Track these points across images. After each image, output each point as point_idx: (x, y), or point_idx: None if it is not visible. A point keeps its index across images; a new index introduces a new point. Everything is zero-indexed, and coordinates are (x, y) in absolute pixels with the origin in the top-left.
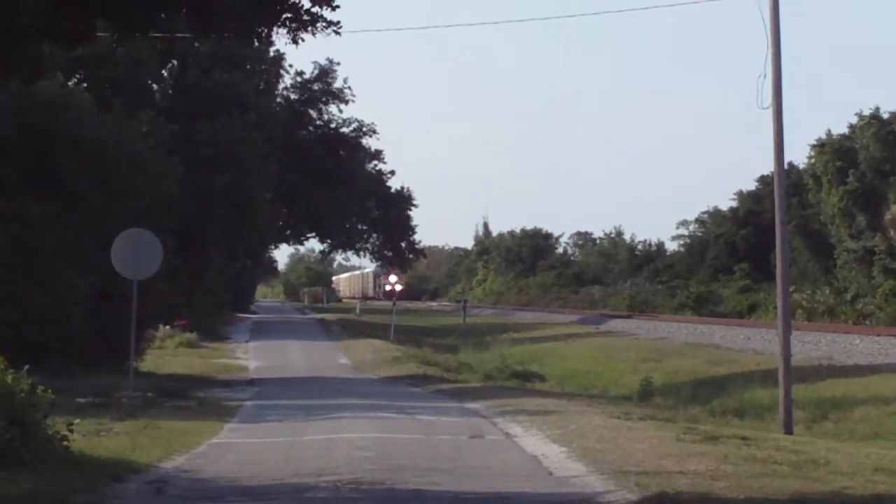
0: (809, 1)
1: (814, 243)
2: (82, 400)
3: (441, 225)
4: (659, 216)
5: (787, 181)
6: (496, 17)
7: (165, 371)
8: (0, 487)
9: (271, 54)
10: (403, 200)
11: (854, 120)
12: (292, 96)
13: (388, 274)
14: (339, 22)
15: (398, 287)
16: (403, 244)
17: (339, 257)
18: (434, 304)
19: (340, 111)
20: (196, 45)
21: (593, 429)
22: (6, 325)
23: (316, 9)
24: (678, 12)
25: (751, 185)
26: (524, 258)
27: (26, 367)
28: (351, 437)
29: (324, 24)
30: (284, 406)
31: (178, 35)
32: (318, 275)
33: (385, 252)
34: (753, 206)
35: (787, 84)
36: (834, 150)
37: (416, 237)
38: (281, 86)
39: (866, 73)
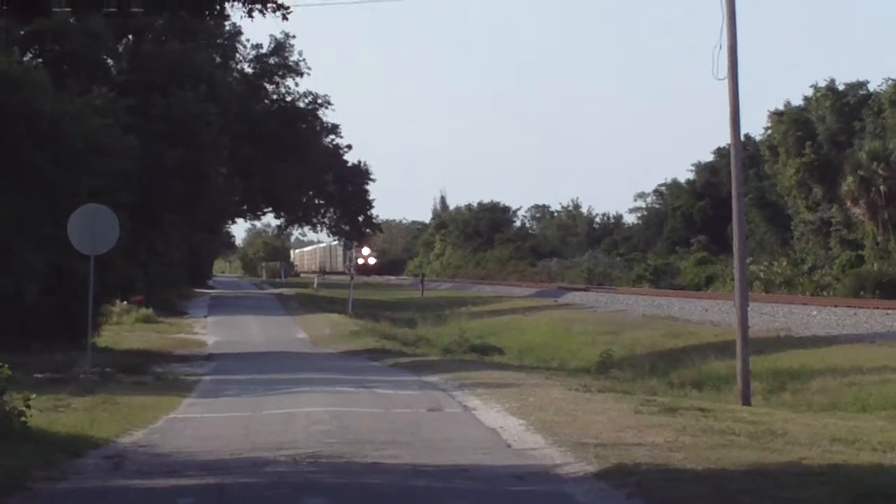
0: None
1: (771, 215)
2: (39, 376)
3: (398, 199)
4: (617, 189)
5: (744, 153)
6: None
7: (123, 347)
8: None
9: (227, 28)
10: (360, 175)
11: (810, 92)
12: (248, 70)
13: (360, 247)
14: (288, 7)
15: (371, 261)
16: (361, 218)
17: (296, 232)
18: (392, 278)
19: (297, 85)
20: (151, 19)
21: (552, 401)
22: None
23: None
24: None
25: (708, 157)
26: (482, 231)
27: None
28: (309, 412)
29: (273, 5)
30: (243, 381)
31: (134, 10)
32: (275, 249)
33: (342, 226)
34: (710, 178)
35: (743, 55)
36: (792, 121)
37: (374, 211)
38: (237, 59)
39: (822, 45)
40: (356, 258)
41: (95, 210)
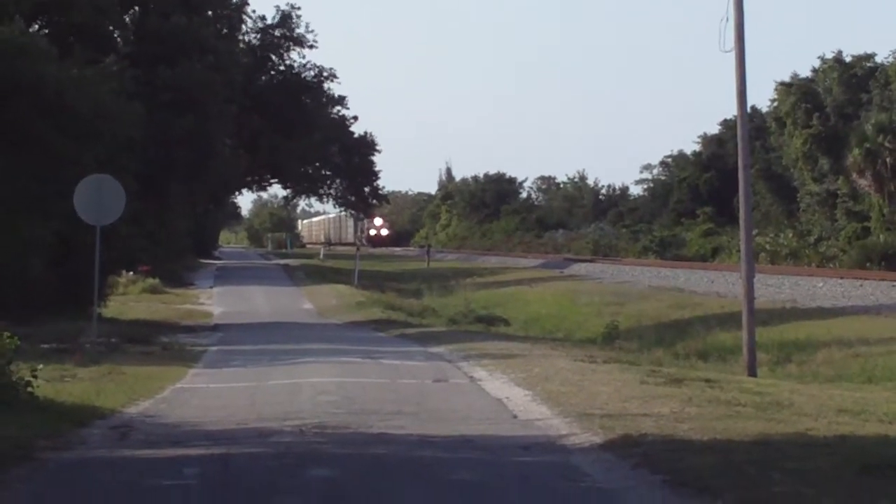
0: None
1: (777, 186)
2: (46, 346)
3: (404, 170)
4: (623, 160)
5: (750, 125)
6: None
7: (129, 317)
8: None
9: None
10: (366, 146)
11: (817, 63)
12: (254, 42)
13: (371, 217)
14: None
15: (384, 231)
16: (367, 189)
17: (302, 203)
18: (398, 249)
19: (302, 57)
20: None
21: (557, 372)
22: None
23: None
24: None
25: (714, 129)
26: (488, 203)
27: None
28: (315, 382)
29: None
30: (249, 351)
31: None
32: (281, 220)
33: (348, 197)
34: (716, 150)
35: (750, 27)
36: (799, 92)
37: (380, 182)
38: (243, 30)
39: (829, 17)
40: (368, 229)
41: (101, 180)
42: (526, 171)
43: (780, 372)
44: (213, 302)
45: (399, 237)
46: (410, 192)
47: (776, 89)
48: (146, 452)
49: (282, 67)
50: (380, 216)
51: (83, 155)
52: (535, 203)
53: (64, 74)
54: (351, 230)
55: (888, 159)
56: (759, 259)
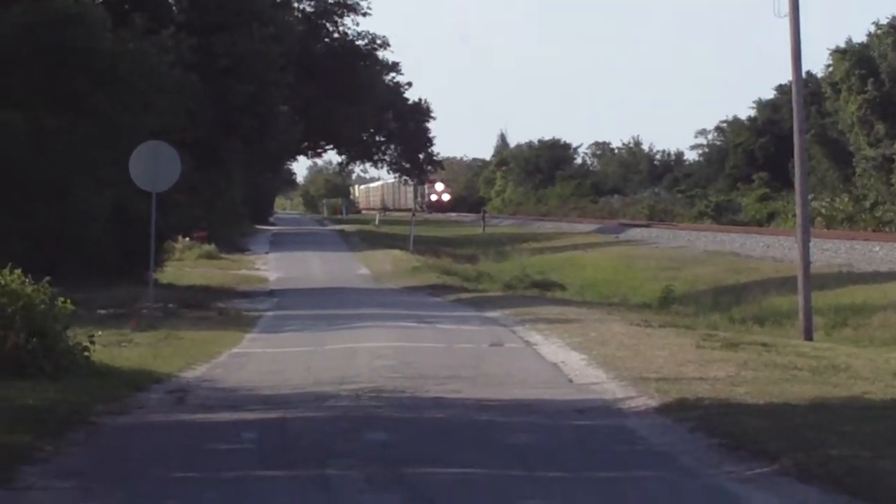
0: None
1: (832, 151)
2: (102, 311)
3: (459, 136)
4: (677, 126)
5: (805, 90)
6: None
7: (185, 282)
8: (22, 397)
9: None
10: (421, 112)
11: (871, 29)
12: (308, 9)
13: (432, 183)
14: None
15: (446, 197)
16: (421, 156)
17: (357, 169)
18: (453, 214)
19: (356, 24)
20: None
21: (613, 336)
22: (24, 239)
23: None
24: None
25: (769, 94)
26: (543, 168)
27: (46, 278)
28: (371, 347)
29: None
30: (304, 316)
31: None
32: (336, 187)
33: (403, 164)
34: (771, 115)
35: None
36: (856, 59)
37: (434, 149)
38: None
39: None
40: (429, 194)
41: (157, 147)
42: (581, 136)
43: (837, 336)
44: (269, 267)
45: (458, 203)
46: (465, 158)
47: (831, 55)
48: (203, 416)
49: (336, 35)
50: (440, 181)
51: (138, 124)
52: (590, 169)
53: (119, 46)
54: (408, 196)
55: None
56: (815, 224)
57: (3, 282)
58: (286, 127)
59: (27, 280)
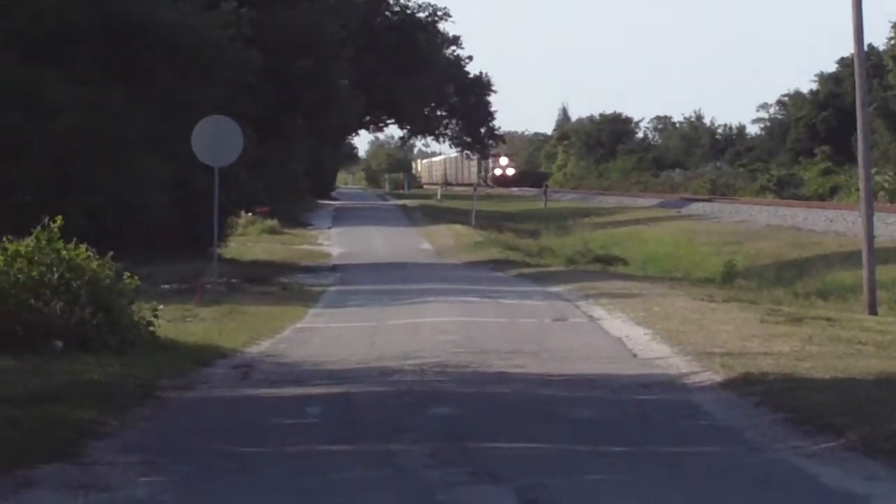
0: None
1: (895, 124)
2: (166, 287)
3: (521, 110)
4: (739, 100)
5: (868, 63)
6: None
7: (248, 257)
8: (87, 372)
9: None
10: (482, 86)
11: None
12: None
13: (496, 157)
14: None
15: (510, 171)
16: (482, 130)
17: (419, 143)
18: (515, 189)
19: None
20: None
21: (677, 311)
22: (88, 214)
23: None
24: None
25: (831, 68)
26: (604, 143)
27: (110, 253)
28: (435, 322)
29: None
30: (368, 291)
31: None
32: (398, 161)
33: (464, 138)
34: (834, 89)
35: None
36: None
37: (495, 123)
38: None
39: None
40: (493, 168)
41: (219, 121)
42: (642, 110)
43: None
44: (332, 242)
45: (522, 177)
46: (527, 133)
47: (893, 28)
48: (268, 391)
49: (396, 8)
50: (504, 155)
51: (200, 98)
52: (652, 143)
53: (180, 20)
54: (471, 170)
55: None
56: (878, 198)
57: (68, 257)
58: (347, 101)
59: (92, 255)
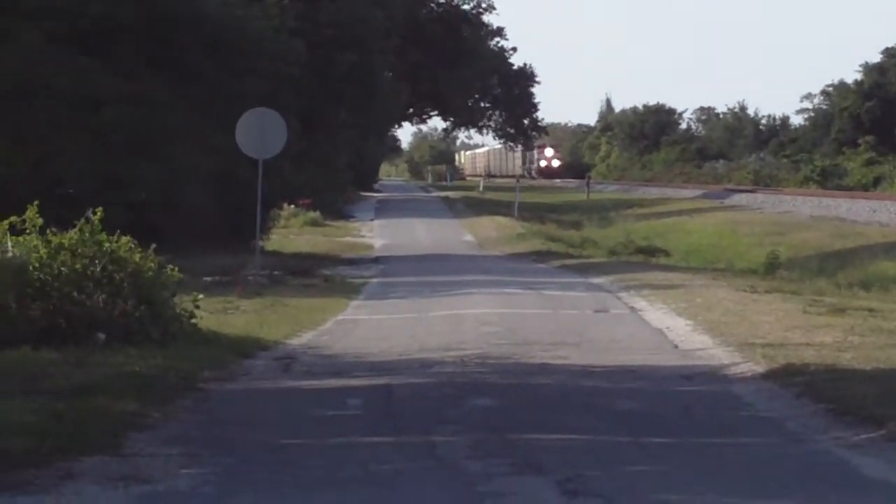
0: None
1: None
2: (208, 279)
3: (564, 102)
4: (783, 90)
5: None
6: None
7: (291, 250)
8: (130, 364)
9: None
10: (525, 77)
11: None
12: None
13: (542, 148)
14: None
15: (556, 163)
16: (526, 121)
17: (461, 135)
18: (557, 180)
19: None
20: None
21: (718, 302)
22: (131, 207)
23: None
24: None
25: (876, 58)
26: (647, 134)
27: (153, 246)
28: (477, 313)
29: None
30: (410, 283)
31: None
32: (441, 153)
33: (507, 129)
34: (878, 79)
35: None
36: None
37: (539, 114)
38: None
39: None
40: (538, 160)
41: (263, 114)
42: (686, 101)
43: None
44: (374, 234)
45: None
46: (570, 124)
47: None
48: (310, 383)
49: (441, 0)
50: (550, 147)
51: (244, 91)
52: (695, 134)
53: (226, 13)
54: (516, 161)
55: None
56: None
57: (111, 249)
58: (390, 94)
59: (134, 247)
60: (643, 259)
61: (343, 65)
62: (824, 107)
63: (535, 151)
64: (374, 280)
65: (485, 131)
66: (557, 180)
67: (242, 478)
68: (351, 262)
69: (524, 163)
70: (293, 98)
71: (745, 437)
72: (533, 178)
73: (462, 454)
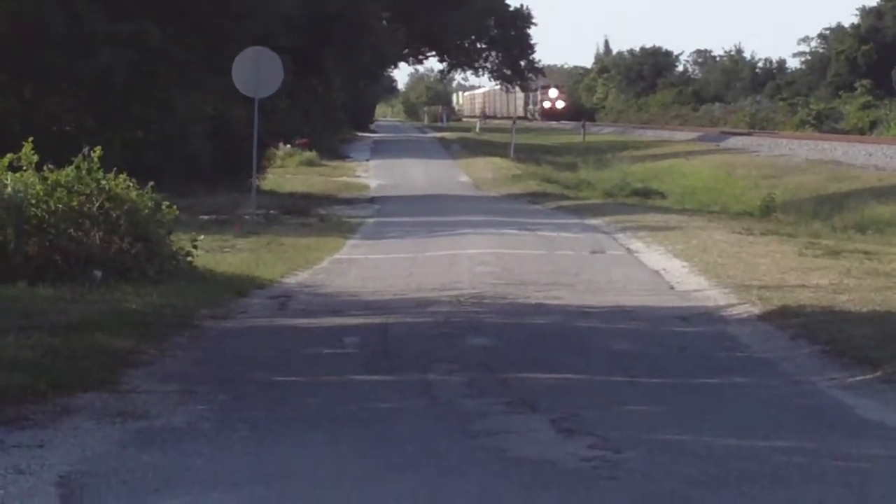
0: None
1: None
2: (205, 217)
3: (560, 44)
4: (780, 33)
5: None
6: None
7: (287, 189)
8: (126, 301)
9: None
10: (522, 19)
11: None
12: None
13: (545, 89)
14: None
15: (560, 104)
16: (522, 63)
17: (458, 76)
18: (553, 122)
19: None
20: None
21: (715, 244)
22: (127, 147)
23: None
24: None
25: (873, 1)
26: (644, 76)
27: (150, 184)
28: (473, 253)
29: None
30: (406, 223)
31: None
32: (437, 94)
33: (504, 71)
34: (875, 23)
35: None
36: None
37: (535, 56)
38: None
39: None
40: (542, 101)
41: (259, 52)
42: (682, 44)
43: None
44: (370, 174)
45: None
46: (566, 66)
47: None
48: (305, 322)
49: None
50: (554, 87)
51: (238, 31)
52: (692, 76)
53: None
54: (517, 103)
55: None
56: None
57: (108, 186)
58: (384, 35)
59: (132, 185)
60: (639, 201)
61: (334, 6)
62: (821, 50)
63: (539, 92)
64: (370, 220)
65: (481, 72)
66: (553, 122)
67: (238, 414)
68: (347, 202)
69: (527, 104)
70: (286, 38)
71: (741, 378)
72: (536, 119)
73: (457, 393)
